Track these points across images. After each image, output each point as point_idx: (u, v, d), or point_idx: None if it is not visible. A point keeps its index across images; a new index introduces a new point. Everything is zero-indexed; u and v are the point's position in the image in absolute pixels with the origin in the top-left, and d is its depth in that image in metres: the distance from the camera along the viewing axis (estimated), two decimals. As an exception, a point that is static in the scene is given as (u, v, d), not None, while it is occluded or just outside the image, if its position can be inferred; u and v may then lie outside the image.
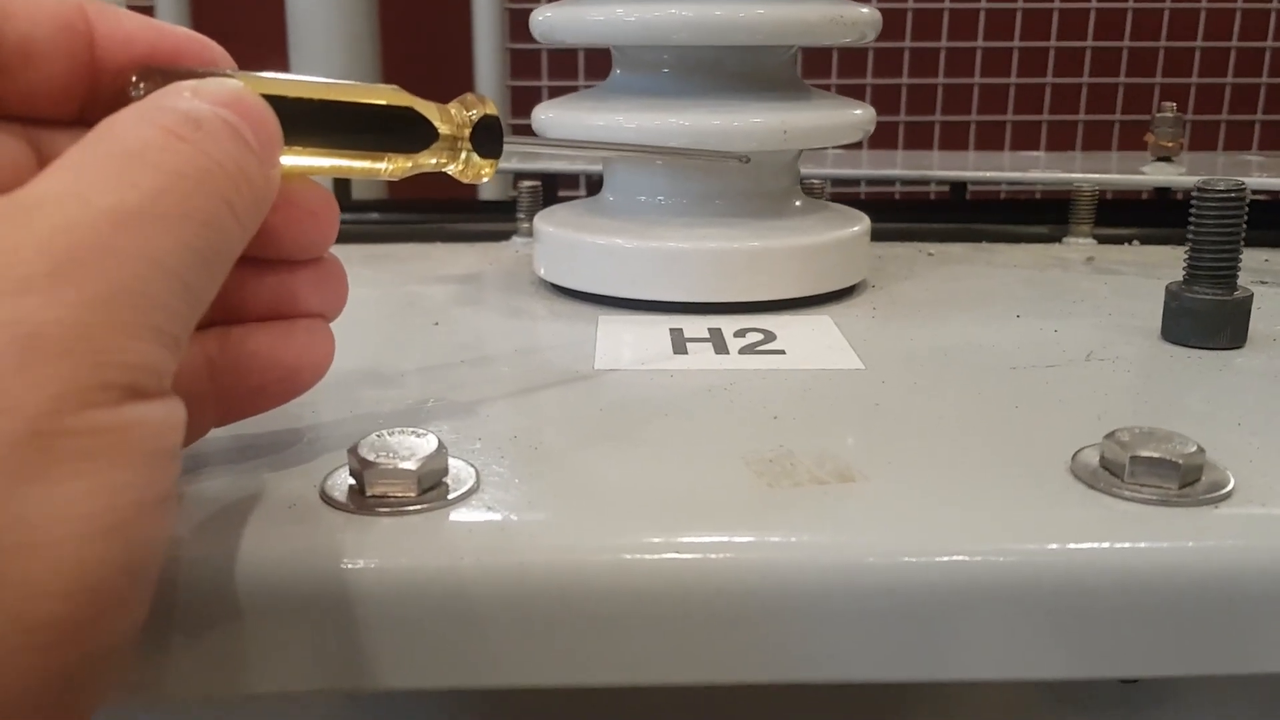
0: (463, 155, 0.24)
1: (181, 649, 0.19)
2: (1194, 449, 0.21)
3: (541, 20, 0.36)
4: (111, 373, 0.15)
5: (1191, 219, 0.31)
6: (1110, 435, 0.22)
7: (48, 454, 0.14)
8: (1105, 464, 0.22)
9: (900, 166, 0.66)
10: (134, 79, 0.19)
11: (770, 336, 0.32)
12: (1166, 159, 0.55)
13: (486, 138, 0.24)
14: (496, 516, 0.20)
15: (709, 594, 0.19)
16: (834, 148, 0.95)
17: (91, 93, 0.20)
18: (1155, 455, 0.21)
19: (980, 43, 1.07)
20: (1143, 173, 0.54)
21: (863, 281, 0.38)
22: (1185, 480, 0.21)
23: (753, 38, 0.34)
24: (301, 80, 0.21)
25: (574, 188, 0.85)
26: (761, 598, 0.19)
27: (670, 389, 0.28)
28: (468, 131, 0.24)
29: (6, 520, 0.14)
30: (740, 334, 0.32)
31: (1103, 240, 0.49)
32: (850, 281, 0.37)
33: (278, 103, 0.19)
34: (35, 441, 0.14)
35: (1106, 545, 0.20)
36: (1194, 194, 0.31)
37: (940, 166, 0.63)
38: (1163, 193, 0.61)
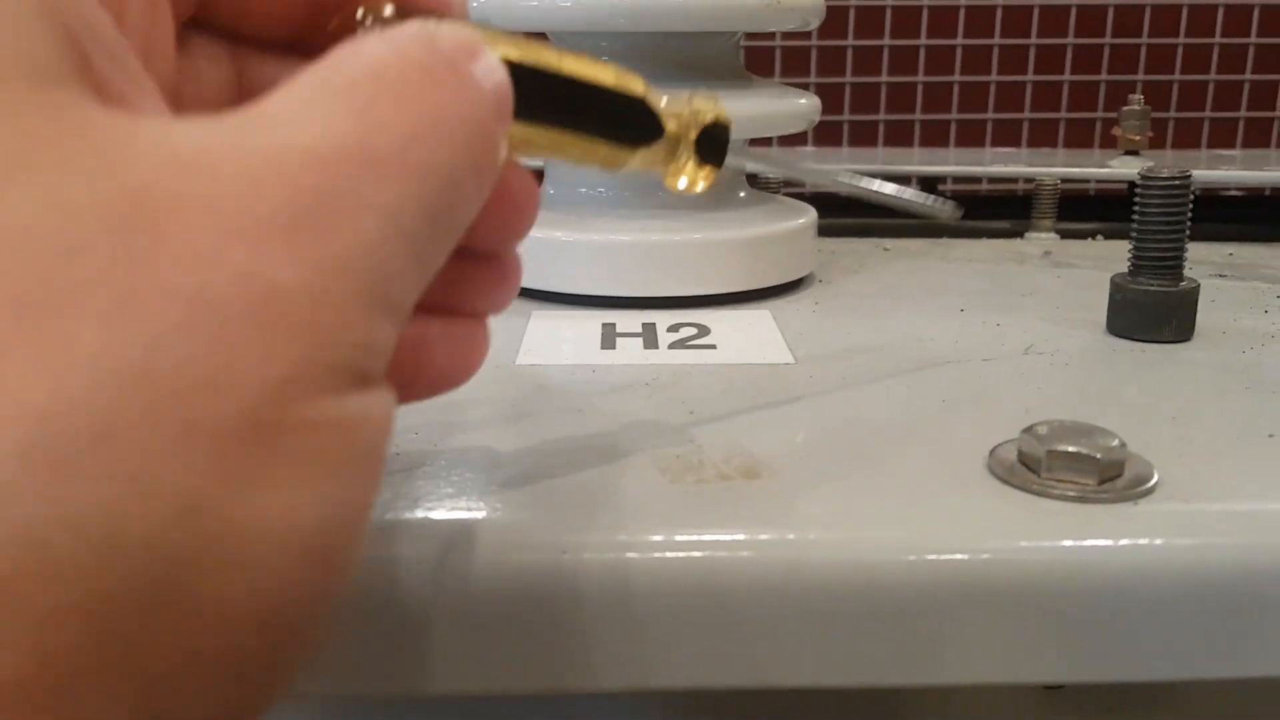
0: (682, 158, 0.21)
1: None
2: (1116, 443, 0.21)
3: (476, 6, 0.35)
4: (342, 352, 0.12)
5: (1136, 208, 0.30)
6: (1029, 429, 0.21)
7: (269, 449, 0.11)
8: (1022, 459, 0.21)
9: (880, 163, 0.65)
10: (362, 12, 0.17)
11: (704, 331, 0.31)
12: (1134, 153, 0.54)
13: (711, 144, 0.21)
14: (395, 517, 0.19)
15: (593, 594, 0.18)
16: (814, 146, 0.94)
17: (311, 17, 0.18)
18: (1073, 450, 0.20)
19: (960, 40, 1.06)
20: (1109, 166, 0.53)
21: (810, 276, 0.37)
22: (1105, 476, 0.20)
23: (692, 23, 0.33)
24: (527, 42, 0.18)
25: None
26: (651, 597, 0.18)
27: (590, 384, 0.27)
28: (694, 134, 0.21)
29: (213, 529, 0.11)
30: (674, 329, 0.31)
31: (1066, 235, 0.49)
32: (793, 276, 0.36)
33: (508, 65, 0.17)
34: (257, 432, 0.11)
35: (1019, 544, 0.19)
36: (1138, 182, 0.30)
37: (916, 164, 0.63)
38: (1133, 187, 0.60)
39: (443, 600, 0.18)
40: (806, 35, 0.97)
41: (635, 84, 0.20)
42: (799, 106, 0.36)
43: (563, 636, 0.18)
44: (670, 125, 0.21)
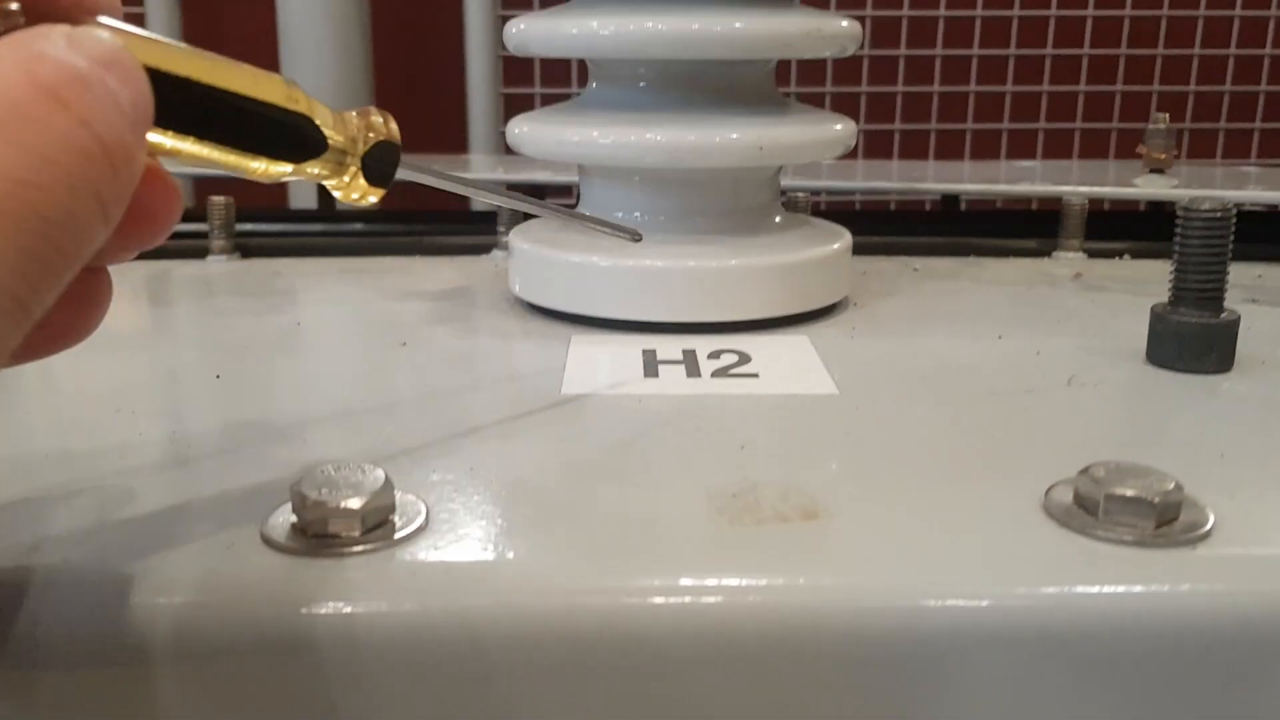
0: (349, 173, 0.21)
1: (108, 687, 0.18)
2: (1172, 486, 0.21)
3: (516, 33, 0.36)
4: None
5: (1177, 240, 0.30)
6: (1085, 471, 0.21)
7: None
8: (1079, 501, 0.21)
9: (895, 178, 0.65)
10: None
11: (745, 359, 0.31)
12: (1159, 171, 0.54)
13: (379, 163, 0.21)
14: (443, 558, 0.19)
15: (660, 639, 0.18)
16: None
17: None
18: (1130, 494, 0.20)
19: (976, 50, 1.06)
20: (1135, 185, 0.54)
21: (844, 299, 0.38)
22: (1162, 519, 0.20)
23: (730, 51, 0.34)
24: (177, 47, 0.17)
25: (567, 197, 0.84)
26: (717, 642, 0.18)
27: (637, 415, 0.27)
28: (361, 150, 0.21)
29: None
30: (714, 355, 0.31)
31: (1093, 254, 0.49)
32: (829, 300, 0.36)
33: (153, 75, 0.16)
34: None
35: (1079, 589, 0.19)
36: (1179, 215, 0.30)
37: (933, 178, 0.63)
38: (1156, 205, 0.60)
39: (502, 643, 0.18)
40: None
41: (299, 98, 0.19)
42: (833, 133, 0.36)
43: (626, 680, 0.19)
44: (337, 141, 0.20)
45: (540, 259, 0.36)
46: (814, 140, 0.35)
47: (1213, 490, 0.22)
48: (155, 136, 0.17)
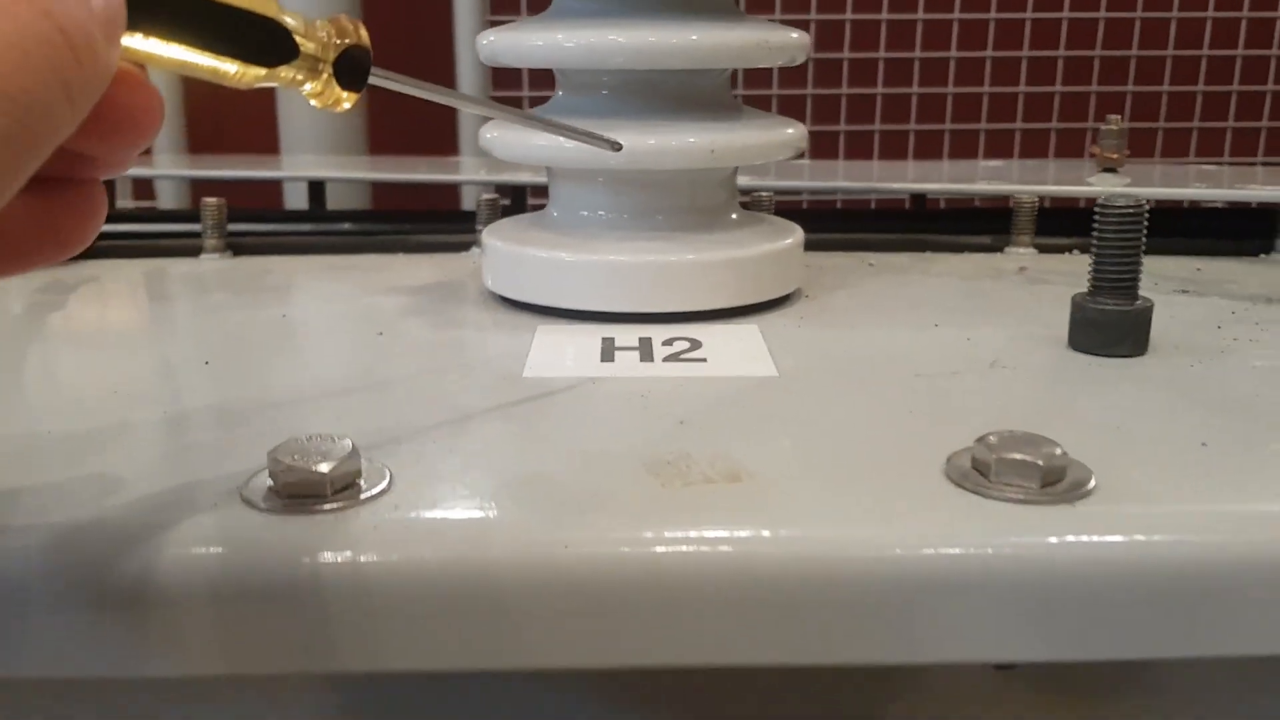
0: (323, 78, 0.22)
1: (107, 632, 0.20)
2: (1059, 451, 0.23)
3: (486, 44, 0.38)
4: None
5: (1094, 233, 0.33)
6: (981, 439, 0.24)
7: None
8: (975, 465, 0.23)
9: (876, 179, 0.67)
10: None
11: (696, 345, 0.34)
12: (1111, 170, 0.56)
13: (351, 68, 0.22)
14: (403, 516, 0.22)
15: (595, 584, 0.21)
16: (810, 159, 0.96)
17: None
18: (1019, 457, 0.23)
19: (953, 53, 1.09)
20: (1088, 183, 0.56)
21: (798, 291, 0.40)
22: (1047, 480, 0.23)
23: (686, 62, 0.36)
24: None
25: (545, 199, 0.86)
26: (642, 588, 0.21)
27: (590, 395, 0.29)
28: (332, 56, 0.22)
29: None
30: (668, 343, 0.34)
31: (1044, 250, 0.51)
32: (779, 293, 0.38)
33: None
34: None
35: (968, 541, 0.22)
36: (1095, 209, 0.33)
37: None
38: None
39: (460, 591, 0.21)
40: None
41: (268, 4, 0.20)
42: (787, 136, 0.38)
43: (563, 620, 0.21)
44: (308, 47, 0.21)
45: (510, 255, 0.38)
46: (762, 143, 0.37)
47: (1102, 458, 0.24)
48: (129, 41, 0.17)
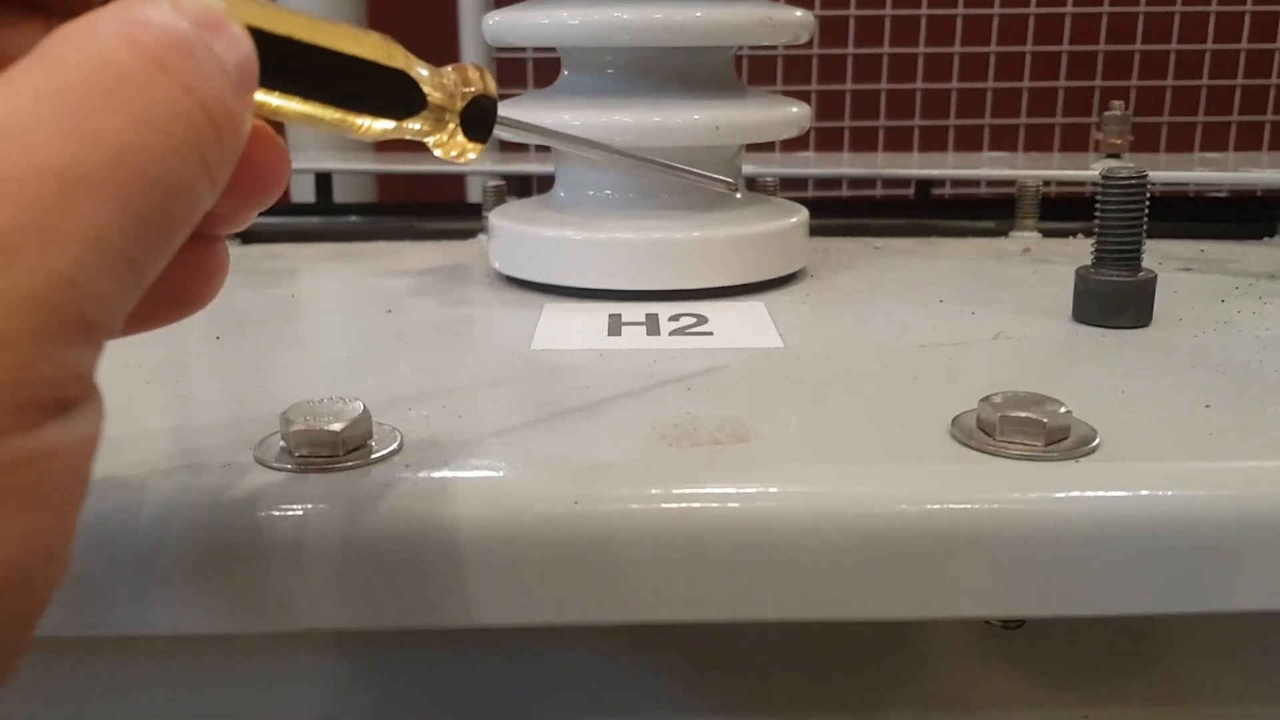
0: (448, 129, 0.21)
1: (118, 590, 0.21)
2: (1063, 410, 0.23)
3: (492, 24, 0.38)
4: (29, 390, 0.12)
5: (1097, 205, 0.33)
6: (985, 399, 0.24)
7: None
8: (980, 424, 0.24)
9: (880, 166, 0.68)
10: None
11: (702, 320, 0.34)
12: (1115, 155, 0.57)
13: (477, 118, 0.21)
14: (414, 475, 0.22)
15: (603, 540, 0.21)
16: (816, 151, 0.96)
17: None
18: (1023, 415, 0.23)
19: (958, 48, 1.09)
20: (1091, 169, 0.56)
21: (802, 271, 0.40)
22: (1051, 438, 0.23)
23: (690, 38, 0.36)
24: (276, 7, 0.17)
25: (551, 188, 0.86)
26: (651, 544, 0.21)
27: (597, 366, 0.29)
28: (459, 105, 0.21)
29: None
30: (675, 318, 0.34)
31: (1049, 234, 0.51)
32: (785, 271, 0.38)
33: (255, 35, 0.16)
34: None
35: (974, 497, 0.22)
36: (1100, 182, 0.33)
37: (912, 166, 0.65)
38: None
39: (474, 546, 0.21)
40: (807, 44, 1.00)
41: (396, 54, 0.19)
42: (790, 114, 0.38)
43: (574, 575, 0.21)
44: (435, 96, 0.20)
45: (516, 234, 0.38)
46: (767, 120, 0.37)
47: (1105, 417, 0.24)
48: (260, 96, 0.17)
